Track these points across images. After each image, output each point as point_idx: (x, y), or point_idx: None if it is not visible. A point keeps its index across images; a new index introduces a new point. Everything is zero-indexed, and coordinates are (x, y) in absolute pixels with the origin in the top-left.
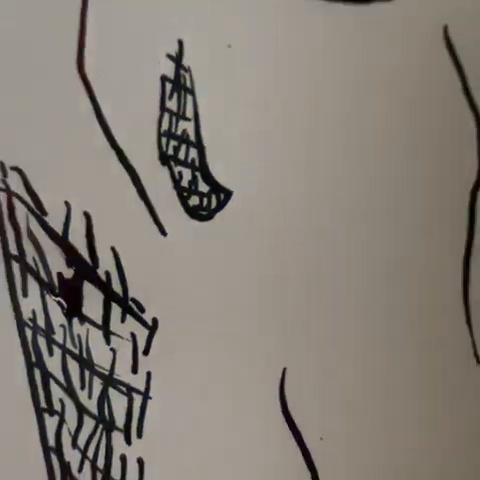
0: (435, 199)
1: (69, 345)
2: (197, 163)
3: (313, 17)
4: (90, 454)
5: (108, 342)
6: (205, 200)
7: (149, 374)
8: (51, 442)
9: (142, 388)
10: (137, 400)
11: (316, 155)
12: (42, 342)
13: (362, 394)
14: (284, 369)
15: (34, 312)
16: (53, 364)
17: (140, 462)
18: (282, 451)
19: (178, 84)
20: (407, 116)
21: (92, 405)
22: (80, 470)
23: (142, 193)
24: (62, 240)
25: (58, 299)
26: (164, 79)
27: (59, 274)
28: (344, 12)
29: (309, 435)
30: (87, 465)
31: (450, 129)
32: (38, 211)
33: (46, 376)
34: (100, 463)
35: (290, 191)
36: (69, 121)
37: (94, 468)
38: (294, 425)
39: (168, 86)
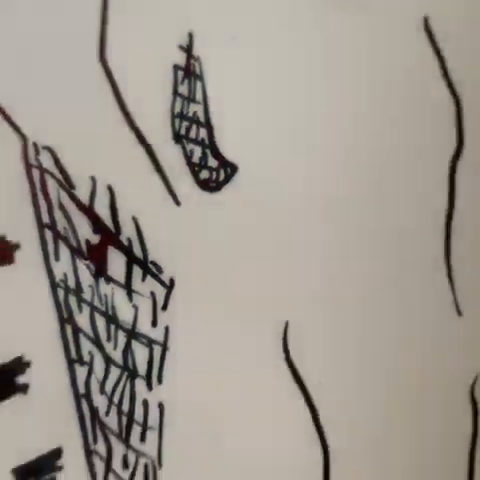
0: (418, 169)
1: (96, 303)
2: (207, 141)
3: (307, 10)
4: (116, 399)
5: (130, 299)
6: (214, 174)
7: (167, 328)
8: (81, 389)
9: (161, 340)
10: (157, 351)
11: (312, 133)
12: (73, 300)
13: (355, 344)
14: (286, 323)
15: (65, 274)
16: (82, 320)
17: (160, 406)
18: (286, 393)
19: (188, 72)
20: (392, 100)
21: (117, 356)
22: (107, 414)
23: (158, 168)
24: (89, 210)
25: (86, 262)
26: (176, 67)
27: (87, 240)
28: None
29: (309, 379)
30: (113, 409)
31: (431, 109)
32: (67, 185)
33: (76, 331)
34: (125, 407)
35: (289, 166)
36: (93, 106)
37: (119, 412)
38: (295, 371)
39: (180, 74)
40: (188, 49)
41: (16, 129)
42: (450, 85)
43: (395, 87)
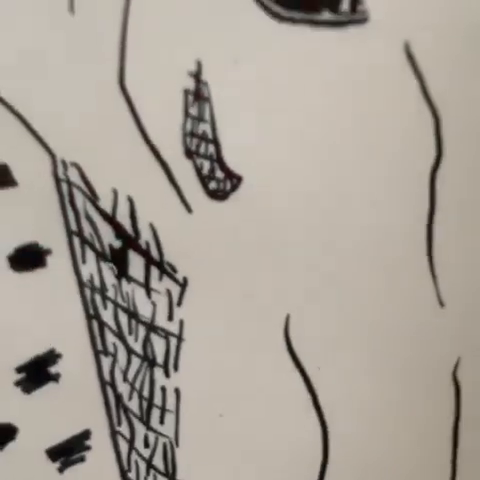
0: (402, 172)
1: (119, 300)
2: (214, 156)
3: (299, 39)
4: (137, 386)
5: (149, 297)
6: (221, 184)
7: (182, 321)
8: (107, 378)
9: (177, 332)
10: (173, 342)
11: (305, 146)
12: (98, 298)
13: (347, 333)
14: (287, 315)
15: (91, 275)
16: (107, 315)
17: (177, 391)
18: (288, 379)
19: (198, 95)
20: (375, 115)
21: (138, 347)
22: (130, 399)
23: (172, 180)
24: (111, 219)
25: (110, 265)
26: (187, 92)
27: (110, 245)
28: (326, 36)
29: (309, 366)
30: (135, 395)
31: (410, 123)
32: (92, 197)
33: (102, 325)
34: (145, 393)
35: (287, 176)
36: (114, 127)
37: (140, 397)
38: (297, 358)
39: (190, 97)
40: (197, 75)
41: (46, 147)
42: (429, 101)
43: (378, 105)
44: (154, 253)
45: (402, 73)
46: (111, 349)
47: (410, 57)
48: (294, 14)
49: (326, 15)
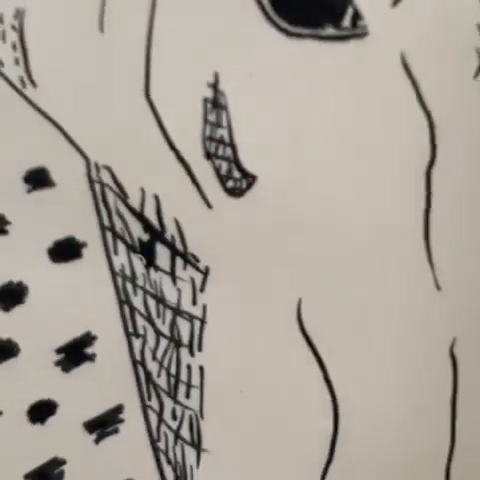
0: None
1: (148, 287)
2: (231, 158)
3: (306, 52)
4: (165, 364)
5: (175, 284)
6: (238, 183)
7: (204, 306)
8: (137, 357)
9: (200, 316)
10: (197, 324)
11: (315, 146)
12: (129, 286)
13: (357, 317)
14: (299, 299)
15: (123, 265)
16: (137, 301)
17: (201, 369)
18: (301, 358)
19: (216, 104)
20: (375, 119)
21: (165, 329)
22: (158, 376)
23: (194, 180)
24: (140, 215)
25: (139, 256)
26: (206, 100)
27: (139, 238)
28: (330, 48)
29: (320, 346)
30: (163, 372)
31: (407, 126)
32: (122, 195)
33: (132, 310)
34: (172, 371)
35: (297, 176)
36: (141, 132)
37: (168, 374)
38: (309, 339)
39: (209, 105)
40: (215, 86)
41: (80, 152)
42: (424, 106)
43: (377, 110)
44: (179, 245)
45: (398, 81)
46: (141, 331)
47: (406, 66)
48: (301, 30)
49: (330, 30)
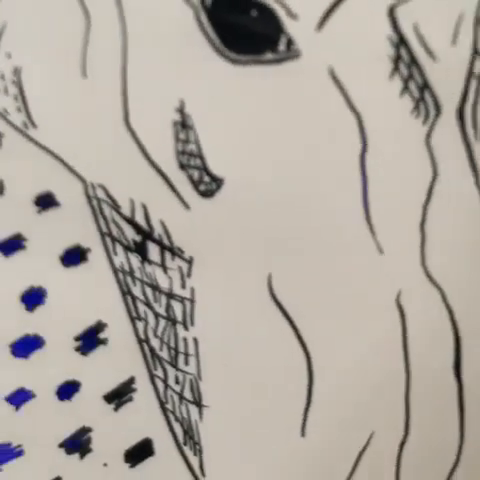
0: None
1: (144, 278)
2: (201, 166)
3: (249, 75)
4: (165, 339)
5: (166, 273)
6: (208, 186)
7: (192, 288)
8: (142, 336)
9: (189, 297)
10: (187, 304)
11: (264, 152)
12: (129, 279)
13: (318, 284)
14: (269, 274)
15: (122, 263)
16: (137, 291)
17: (195, 340)
18: (276, 322)
19: (184, 124)
20: (312, 122)
21: (162, 311)
22: (161, 350)
23: (172, 188)
24: (132, 221)
25: (135, 254)
26: (175, 123)
27: (133, 240)
28: (269, 70)
29: (291, 311)
30: (164, 346)
31: (339, 125)
32: (116, 206)
33: (134, 298)
34: (172, 344)
35: (256, 176)
36: (124, 155)
37: (169, 347)
38: (282, 307)
39: (178, 127)
40: (181, 110)
41: (78, 176)
42: (352, 107)
43: (313, 114)
44: (166, 241)
45: (329, 90)
46: (142, 315)
47: (333, 77)
48: (244, 57)
49: (269, 55)
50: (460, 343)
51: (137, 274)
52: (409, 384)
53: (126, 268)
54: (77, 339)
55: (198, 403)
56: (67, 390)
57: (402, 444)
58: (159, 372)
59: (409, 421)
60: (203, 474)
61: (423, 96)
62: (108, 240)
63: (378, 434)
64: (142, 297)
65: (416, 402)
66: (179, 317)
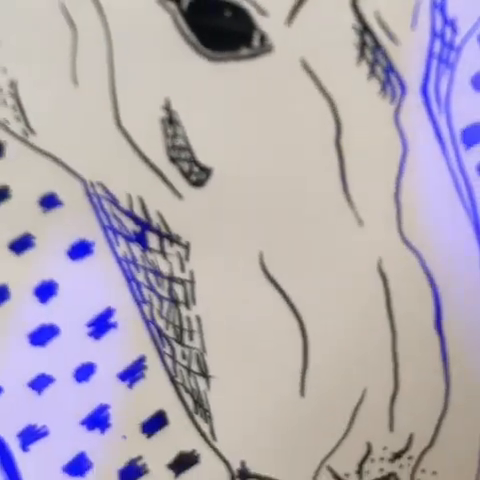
0: None
1: (147, 265)
2: (190, 158)
3: (226, 70)
4: (170, 319)
5: (166, 258)
6: (198, 176)
7: (191, 271)
8: (148, 317)
9: (189, 278)
10: (188, 286)
11: (245, 143)
12: (132, 267)
13: (306, 258)
14: (261, 252)
15: (125, 252)
16: (140, 276)
17: (197, 317)
18: (268, 294)
19: (171, 120)
20: (289, 111)
21: (165, 293)
22: (167, 329)
23: (165, 180)
24: (130, 213)
25: (136, 243)
26: (163, 120)
27: (133, 230)
28: (245, 65)
29: (282, 283)
30: (170, 325)
31: (314, 111)
32: (114, 201)
33: (138, 284)
34: (176, 322)
35: (239, 166)
36: (118, 153)
37: (174, 326)
38: (274, 281)
39: (166, 123)
40: (168, 108)
41: (77, 176)
42: (325, 93)
43: (288, 105)
44: (163, 230)
45: (302, 79)
46: (147, 298)
47: (305, 66)
48: (220, 54)
49: (244, 51)
50: (439, 301)
51: (139, 262)
52: (395, 341)
53: (129, 257)
54: (89, 325)
55: (205, 374)
56: (84, 372)
57: (393, 397)
58: (167, 349)
59: (398, 375)
60: (214, 439)
61: (389, 78)
62: (110, 233)
63: (370, 389)
64: (146, 282)
65: (403, 357)
66: (181, 298)
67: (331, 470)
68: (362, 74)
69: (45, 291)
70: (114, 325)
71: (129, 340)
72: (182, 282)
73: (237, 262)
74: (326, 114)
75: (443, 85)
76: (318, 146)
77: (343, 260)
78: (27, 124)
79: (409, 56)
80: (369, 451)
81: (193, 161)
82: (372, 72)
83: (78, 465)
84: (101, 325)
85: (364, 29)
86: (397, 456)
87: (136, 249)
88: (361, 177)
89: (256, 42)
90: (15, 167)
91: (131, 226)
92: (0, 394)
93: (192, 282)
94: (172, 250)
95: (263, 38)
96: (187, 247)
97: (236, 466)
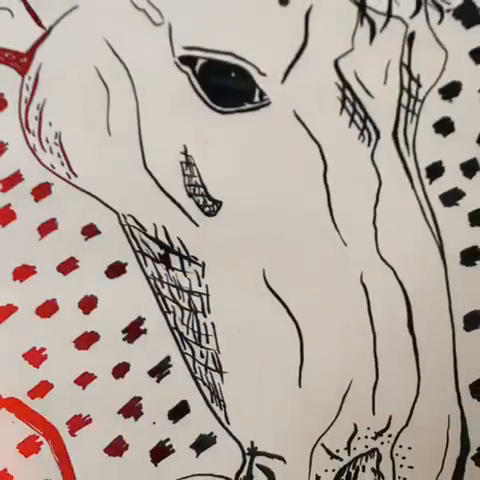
0: None
1: (170, 281)
2: (204, 193)
3: (234, 121)
4: (190, 325)
5: (186, 276)
6: (211, 208)
7: (207, 285)
8: (172, 325)
9: (205, 292)
10: (204, 297)
11: (249, 179)
12: (158, 283)
13: (301, 273)
14: (263, 269)
15: (152, 271)
16: (165, 291)
17: (212, 323)
18: (270, 303)
19: (188, 163)
20: (283, 153)
21: (186, 304)
22: (187, 333)
23: (184, 211)
24: (156, 239)
25: (160, 264)
26: (182, 162)
27: (158, 253)
28: (248, 116)
29: (281, 294)
30: (190, 331)
31: (304, 152)
32: (143, 230)
33: (163, 297)
34: (195, 328)
35: (245, 199)
36: (146, 191)
37: (193, 331)
38: (273, 291)
39: (184, 165)
40: (185, 153)
41: (112, 209)
42: (313, 138)
43: (284, 147)
44: (183, 252)
45: (294, 127)
46: (171, 309)
47: (297, 117)
48: (229, 109)
49: (247, 105)
50: (410, 306)
51: (164, 279)
52: (375, 340)
53: (155, 275)
54: (124, 332)
55: (219, 370)
56: (120, 370)
57: (374, 386)
58: (188, 350)
59: (378, 368)
60: (228, 423)
61: (366, 125)
62: (140, 255)
63: (355, 381)
64: (169, 295)
65: (382, 353)
66: (199, 308)
67: (325, 447)
68: (344, 122)
69: (87, 304)
70: (144, 331)
71: (157, 343)
72: (199, 295)
73: (244, 277)
74: (315, 155)
75: (410, 131)
76: (309, 181)
77: (331, 274)
78: (70, 168)
79: (382, 107)
80: (356, 431)
81: (206, 196)
82: (352, 121)
83: (116, 447)
84: (133, 331)
85: (345, 86)
86: (379, 434)
87: (161, 268)
88: (345, 206)
89: (257, 98)
90: (61, 203)
91: (157, 249)
92: (52, 390)
93: (207, 295)
94: (190, 269)
95: (262, 94)
96: (203, 266)
97: (246, 445)
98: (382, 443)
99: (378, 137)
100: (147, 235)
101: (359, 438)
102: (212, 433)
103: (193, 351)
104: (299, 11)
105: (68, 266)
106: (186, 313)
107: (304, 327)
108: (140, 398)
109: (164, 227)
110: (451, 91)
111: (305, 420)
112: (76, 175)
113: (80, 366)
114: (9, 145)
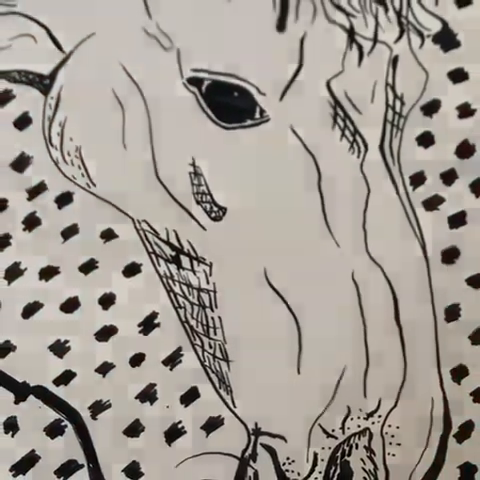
0: None
1: (181, 279)
2: (211, 200)
3: (236, 136)
4: (199, 319)
5: (195, 274)
6: (217, 213)
7: (214, 283)
8: (183, 318)
9: (212, 289)
10: (212, 294)
11: (250, 188)
12: (170, 282)
13: (298, 271)
14: (265, 268)
15: (164, 271)
16: (177, 289)
17: (219, 317)
18: (271, 299)
19: (196, 173)
20: (280, 166)
21: (195, 300)
22: (197, 326)
23: (193, 217)
24: (168, 242)
25: (172, 264)
26: (190, 173)
27: (170, 254)
28: (249, 132)
29: (281, 290)
30: (199, 324)
31: (298, 164)
32: (156, 234)
33: (175, 294)
34: (204, 322)
35: (247, 204)
36: (158, 199)
37: (202, 324)
38: (274, 288)
39: (192, 175)
40: (193, 164)
41: (128, 215)
42: (309, 151)
43: (282, 159)
44: (192, 254)
45: (291, 141)
46: (182, 305)
47: (294, 132)
48: (232, 124)
49: (248, 121)
50: (397, 300)
51: (175, 277)
52: (366, 331)
53: (167, 274)
54: (139, 325)
55: (226, 359)
56: (136, 360)
57: (366, 372)
58: (197, 341)
59: (369, 356)
60: (234, 406)
61: (355, 139)
62: (153, 257)
63: (349, 367)
64: (180, 292)
65: (372, 343)
66: (207, 303)
67: (321, 427)
68: (336, 136)
69: (106, 301)
70: (158, 325)
71: (169, 335)
72: (207, 291)
73: (247, 276)
74: (310, 166)
75: (395, 144)
76: (305, 189)
77: (325, 272)
78: (89, 179)
79: (370, 123)
80: (349, 412)
81: (213, 202)
82: (343, 135)
83: (134, 429)
84: (148, 325)
85: (336, 103)
86: (370, 415)
87: (173, 268)
88: (337, 211)
89: (257, 114)
90: (81, 210)
91: (168, 251)
92: (75, 378)
93: (215, 291)
94: (199, 268)
95: (262, 111)
96: (210, 266)
97: (251, 426)
98: (373, 423)
99: (366, 149)
100: (160, 238)
101: (352, 419)
102: (220, 416)
103: (202, 342)
104: (295, 37)
105: (88, 266)
106: (195, 308)
107: (301, 319)
108: (155, 385)
109: (175, 231)
110: (431, 108)
111: (303, 403)
112: (95, 185)
113: (100, 356)
114: (34, 158)
